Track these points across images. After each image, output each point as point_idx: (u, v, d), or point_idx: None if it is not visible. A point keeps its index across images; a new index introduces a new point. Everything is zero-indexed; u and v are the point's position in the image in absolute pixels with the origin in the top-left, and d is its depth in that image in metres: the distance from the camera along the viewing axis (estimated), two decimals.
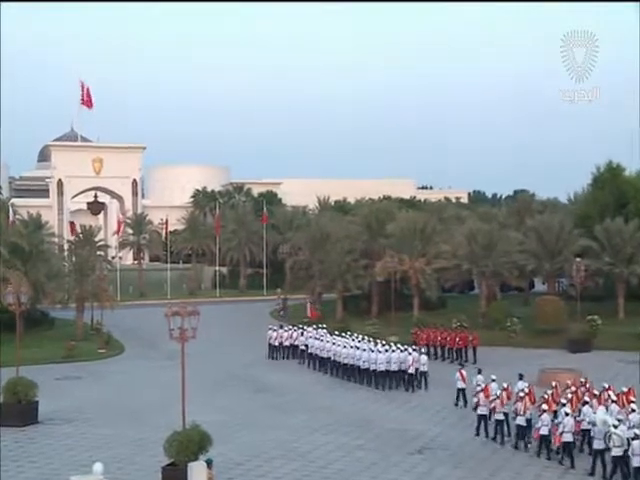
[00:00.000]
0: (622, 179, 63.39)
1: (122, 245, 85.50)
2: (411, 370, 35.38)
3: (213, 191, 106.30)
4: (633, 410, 24.20)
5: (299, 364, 42.78)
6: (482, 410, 27.67)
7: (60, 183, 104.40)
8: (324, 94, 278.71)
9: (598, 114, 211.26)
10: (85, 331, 51.50)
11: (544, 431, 24.62)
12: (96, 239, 68.37)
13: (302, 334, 43.74)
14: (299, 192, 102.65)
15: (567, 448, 24.11)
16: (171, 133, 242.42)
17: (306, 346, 42.43)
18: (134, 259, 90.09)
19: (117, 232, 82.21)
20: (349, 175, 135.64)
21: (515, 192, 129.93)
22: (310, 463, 24.52)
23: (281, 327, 46.28)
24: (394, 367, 35.59)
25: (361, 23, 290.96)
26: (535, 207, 73.90)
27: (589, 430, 24.43)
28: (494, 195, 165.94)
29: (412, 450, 25.98)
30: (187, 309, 22.52)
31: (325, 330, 43.18)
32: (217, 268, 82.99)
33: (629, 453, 21.91)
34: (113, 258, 73.89)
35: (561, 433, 24.01)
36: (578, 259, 51.61)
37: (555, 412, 25.33)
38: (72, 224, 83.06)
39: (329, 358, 39.47)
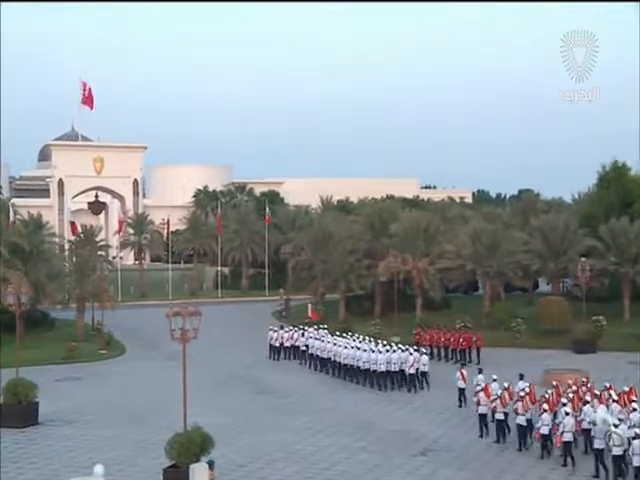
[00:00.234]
0: (628, 178, 63.04)
1: (123, 245, 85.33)
2: (412, 370, 35.21)
3: (215, 191, 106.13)
4: (634, 409, 24.10)
5: (300, 365, 42.58)
6: (482, 410, 27.64)
7: (61, 183, 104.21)
8: (325, 93, 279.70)
9: (603, 114, 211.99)
10: (86, 332, 51.30)
11: (544, 431, 24.56)
12: (97, 239, 68.21)
13: (303, 335, 43.56)
14: (301, 191, 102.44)
15: (567, 447, 24.00)
16: (172, 132, 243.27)
17: (307, 347, 42.24)
18: (135, 259, 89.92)
19: (119, 232, 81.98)
20: (352, 174, 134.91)
21: (520, 192, 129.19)
22: (313, 465, 24.35)
23: (281, 328, 46.07)
24: (395, 367, 35.41)
25: (361, 23, 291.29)
26: (540, 207, 73.42)
27: (590, 430, 24.33)
28: (498, 195, 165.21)
29: (415, 452, 25.78)
30: (188, 310, 22.48)
31: (326, 330, 42.98)
32: (219, 268, 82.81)
33: (629, 453, 21.84)
34: (114, 258, 73.68)
35: (562, 433, 23.92)
36: (583, 259, 51.22)
37: (555, 412, 25.23)
38: (73, 224, 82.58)
39: (329, 359, 39.30)
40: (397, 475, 23.42)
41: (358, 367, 36.69)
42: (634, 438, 21.57)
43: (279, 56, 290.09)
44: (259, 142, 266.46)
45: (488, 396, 27.54)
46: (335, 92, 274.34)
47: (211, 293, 79.54)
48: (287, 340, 44.22)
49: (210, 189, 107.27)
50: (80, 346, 46.48)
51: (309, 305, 59.40)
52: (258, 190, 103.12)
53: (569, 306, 50.01)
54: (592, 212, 60.76)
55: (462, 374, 31.91)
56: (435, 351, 42.90)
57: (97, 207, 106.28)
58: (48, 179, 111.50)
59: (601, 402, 25.64)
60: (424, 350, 38.25)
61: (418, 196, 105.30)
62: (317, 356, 40.65)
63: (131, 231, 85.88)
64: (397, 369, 35.42)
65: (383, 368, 35.46)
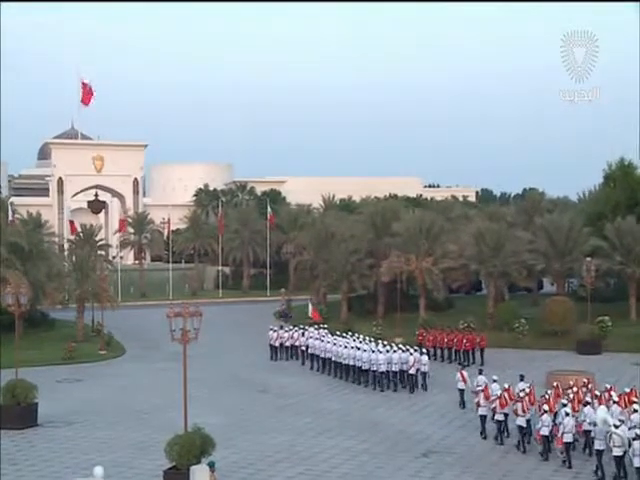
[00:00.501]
0: (634, 177, 62.48)
1: (123, 245, 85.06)
2: (412, 371, 35.05)
3: (216, 190, 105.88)
4: (635, 410, 24.01)
5: (301, 365, 42.37)
6: (483, 410, 27.56)
7: (60, 181, 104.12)
8: (326, 92, 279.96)
9: (607, 113, 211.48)
10: (85, 332, 51.05)
11: (544, 432, 24.47)
12: (97, 238, 68.02)
13: (303, 334, 43.34)
14: (303, 190, 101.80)
15: (567, 448, 23.95)
16: (173, 131, 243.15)
17: (307, 347, 41.95)
18: (135, 259, 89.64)
19: (120, 230, 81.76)
20: (354, 173, 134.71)
21: (524, 190, 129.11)
22: (315, 467, 24.19)
23: (281, 327, 45.80)
24: (395, 368, 35.22)
25: (363, 21, 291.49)
26: (545, 206, 72.85)
27: (590, 431, 24.24)
28: (503, 194, 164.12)
29: (418, 454, 25.59)
30: (189, 310, 22.41)
31: (326, 330, 42.74)
32: (220, 268, 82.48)
33: (630, 454, 21.79)
34: (114, 258, 73.48)
35: (562, 434, 23.82)
36: (588, 259, 50.69)
37: (556, 413, 25.09)
38: (72, 223, 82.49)
39: (330, 359, 39.05)
40: (400, 477, 23.25)
41: (359, 367, 36.48)
42: (634, 439, 21.58)
43: (281, 54, 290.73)
44: (260, 140, 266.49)
45: (487, 397, 27.43)
46: (338, 90, 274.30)
47: (212, 293, 79.25)
48: (287, 340, 44.02)
49: (211, 188, 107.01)
50: (80, 347, 46.24)
51: (309, 305, 59.00)
52: (259, 189, 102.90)
53: (574, 307, 49.51)
54: (598, 211, 60.21)
55: (462, 375, 31.70)
56: (438, 352, 42.56)
57: (97, 206, 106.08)
58: (47, 178, 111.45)
59: (601, 403, 25.56)
60: (424, 350, 38.04)
61: (421, 195, 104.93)
62: (317, 356, 40.43)
63: (131, 230, 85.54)
64: (397, 369, 35.24)
65: (383, 368, 35.29)
